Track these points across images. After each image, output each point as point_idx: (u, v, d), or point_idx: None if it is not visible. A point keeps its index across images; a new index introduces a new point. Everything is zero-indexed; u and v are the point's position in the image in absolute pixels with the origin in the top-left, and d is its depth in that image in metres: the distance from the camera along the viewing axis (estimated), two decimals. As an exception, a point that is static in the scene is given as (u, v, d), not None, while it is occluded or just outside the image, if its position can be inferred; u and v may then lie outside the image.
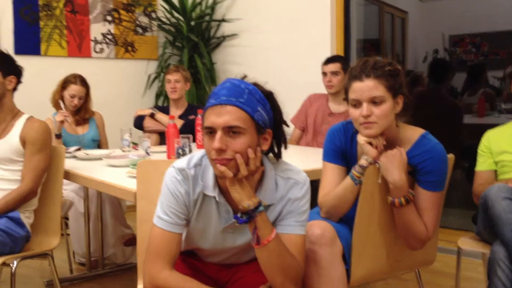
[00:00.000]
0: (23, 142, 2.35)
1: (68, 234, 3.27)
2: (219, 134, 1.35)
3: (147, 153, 2.79)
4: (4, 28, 4.26)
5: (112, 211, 3.27)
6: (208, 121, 1.38)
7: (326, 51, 4.06)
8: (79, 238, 3.26)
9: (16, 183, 2.35)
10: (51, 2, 4.48)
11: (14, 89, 2.44)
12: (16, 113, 2.43)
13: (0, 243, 2.13)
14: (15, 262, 2.14)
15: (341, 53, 4.12)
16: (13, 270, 2.13)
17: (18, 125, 2.38)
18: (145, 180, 1.86)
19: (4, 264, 2.13)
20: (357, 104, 1.73)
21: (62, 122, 3.33)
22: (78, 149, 3.14)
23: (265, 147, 1.44)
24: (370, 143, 1.74)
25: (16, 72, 2.44)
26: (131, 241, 3.30)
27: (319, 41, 4.17)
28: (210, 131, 1.38)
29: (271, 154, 1.52)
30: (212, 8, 4.98)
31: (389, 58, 1.80)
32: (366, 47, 6.70)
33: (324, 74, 3.49)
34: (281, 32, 4.47)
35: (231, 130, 1.35)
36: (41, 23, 4.45)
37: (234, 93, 1.38)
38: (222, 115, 1.35)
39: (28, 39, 4.39)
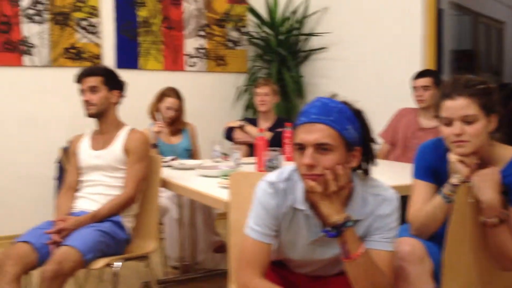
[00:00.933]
0: (126, 151, 2.54)
1: (163, 239, 3.45)
2: (309, 150, 1.41)
3: (237, 165, 2.90)
4: (107, 44, 4.58)
5: (203, 219, 3.42)
6: (298, 138, 1.44)
7: (417, 63, 3.99)
8: (173, 243, 3.44)
9: (118, 189, 2.53)
10: (149, 19, 4.77)
11: (118, 102, 2.64)
12: (120, 125, 2.63)
13: (105, 245, 2.31)
14: (118, 263, 2.31)
15: (433, 65, 4.04)
16: (116, 271, 2.30)
17: (121, 136, 2.58)
18: (237, 191, 1.95)
19: (107, 264, 2.31)
20: (448, 122, 1.73)
21: (158, 132, 3.54)
22: (174, 159, 3.32)
23: (354, 163, 1.48)
24: (462, 162, 1.72)
25: (120, 87, 2.63)
26: (220, 248, 3.43)
27: (409, 53, 4.11)
28: (301, 147, 1.44)
29: (359, 171, 1.56)
30: (301, 22, 5.06)
31: (482, 76, 1.78)
32: (459, 58, 6.50)
33: (415, 88, 3.45)
34: (370, 44, 4.45)
35: (321, 147, 1.41)
36: (140, 39, 4.74)
37: (323, 111, 1.43)
38: (312, 133, 1.41)
39: (128, 54, 4.69)
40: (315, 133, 1.41)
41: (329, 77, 4.85)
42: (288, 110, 4.83)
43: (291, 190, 1.55)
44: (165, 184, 2.68)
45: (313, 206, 1.52)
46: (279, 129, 3.72)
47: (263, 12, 5.17)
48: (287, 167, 1.62)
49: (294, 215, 1.56)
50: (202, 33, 5.07)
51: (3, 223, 4.21)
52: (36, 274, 2.30)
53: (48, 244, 2.25)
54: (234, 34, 5.25)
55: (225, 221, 3.59)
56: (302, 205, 1.53)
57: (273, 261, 1.69)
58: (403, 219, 1.71)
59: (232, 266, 1.87)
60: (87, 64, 4.41)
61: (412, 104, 3.54)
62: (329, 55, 4.87)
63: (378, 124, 1.64)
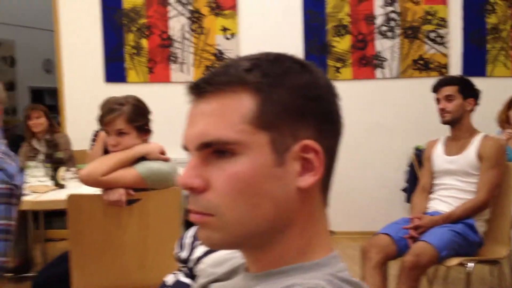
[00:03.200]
0: (480, 157, 2.60)
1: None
2: None
3: None
4: (454, 53, 4.67)
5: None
6: None
7: None
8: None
9: (470, 193, 2.62)
10: (498, 25, 4.65)
11: (472, 110, 2.72)
12: (474, 132, 2.71)
13: (458, 245, 2.44)
14: (471, 264, 2.40)
15: None
16: (469, 271, 2.40)
17: (475, 142, 2.66)
18: None
19: (459, 264, 2.43)
20: None
21: (508, 139, 3.46)
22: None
23: None
24: None
25: (475, 95, 2.72)
26: None
27: None
28: None
29: None
30: None
31: None
32: None
33: None
34: None
35: None
36: (488, 46, 4.66)
37: None
38: None
39: (475, 62, 4.67)
40: None
41: None
42: None
43: None
44: (520, 192, 2.64)
45: None
46: None
47: None
48: None
49: None
50: (559, 34, 4.67)
51: (360, 220, 4.71)
52: (392, 264, 2.58)
53: (405, 238, 2.50)
54: None
55: None
56: None
57: None
58: None
59: None
60: (434, 74, 4.58)
61: None
62: None
63: None
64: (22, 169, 1.98)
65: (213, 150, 0.66)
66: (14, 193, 1.87)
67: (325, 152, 0.68)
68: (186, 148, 0.70)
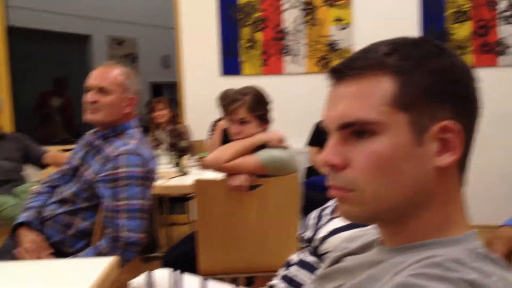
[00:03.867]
0: None
1: None
2: None
3: None
4: None
5: None
6: None
7: None
8: None
9: None
10: None
11: None
12: None
13: None
14: None
15: None
16: None
17: None
18: None
19: None
20: None
21: None
22: None
23: None
24: None
25: None
26: None
27: None
28: None
29: None
30: None
31: None
32: None
33: None
34: None
35: None
36: None
37: None
38: None
39: None
40: None
41: None
42: None
43: None
44: None
45: None
46: None
47: None
48: None
49: None
50: None
51: (483, 213, 4.48)
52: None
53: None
54: None
55: None
56: None
57: None
58: None
59: None
60: None
61: None
62: None
63: None
64: (155, 155, 2.16)
65: (353, 130, 0.71)
66: (149, 176, 2.05)
67: (464, 133, 0.70)
68: (327, 128, 0.75)
